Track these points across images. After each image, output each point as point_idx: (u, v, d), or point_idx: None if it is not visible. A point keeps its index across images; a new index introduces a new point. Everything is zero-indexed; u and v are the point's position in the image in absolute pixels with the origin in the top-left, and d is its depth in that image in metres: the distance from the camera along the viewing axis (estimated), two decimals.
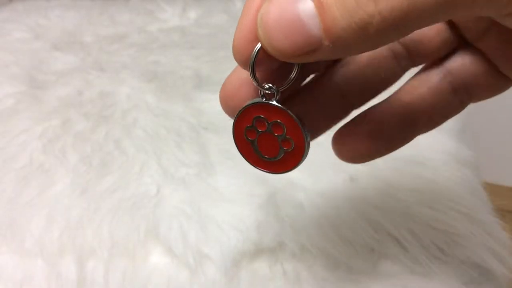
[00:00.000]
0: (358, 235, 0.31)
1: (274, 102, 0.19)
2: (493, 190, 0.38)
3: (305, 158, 0.20)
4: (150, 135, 0.40)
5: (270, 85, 0.19)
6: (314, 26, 0.14)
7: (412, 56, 0.21)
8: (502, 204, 0.38)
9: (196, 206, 0.33)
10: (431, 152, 0.37)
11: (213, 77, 0.49)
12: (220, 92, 0.20)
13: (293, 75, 0.18)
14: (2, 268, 0.30)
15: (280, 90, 0.19)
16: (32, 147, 0.39)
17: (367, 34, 0.14)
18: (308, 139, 0.19)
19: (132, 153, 0.38)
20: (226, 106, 0.21)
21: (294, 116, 0.19)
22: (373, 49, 0.15)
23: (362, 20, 0.14)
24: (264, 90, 0.19)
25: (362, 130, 0.21)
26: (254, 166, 0.21)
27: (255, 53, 0.17)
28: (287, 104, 0.19)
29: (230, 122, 0.38)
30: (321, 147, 0.38)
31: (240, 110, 0.20)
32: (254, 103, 0.19)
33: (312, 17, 0.14)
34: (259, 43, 0.16)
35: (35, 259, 0.30)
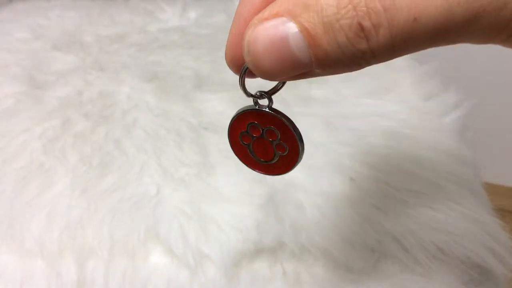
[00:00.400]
0: (358, 235, 0.31)
1: (267, 109, 0.19)
2: (493, 190, 0.38)
3: (299, 161, 0.20)
4: (150, 135, 0.40)
5: (262, 92, 0.19)
6: (304, 55, 0.15)
7: None
8: (502, 204, 0.38)
9: (196, 206, 0.33)
10: (431, 152, 0.37)
11: (213, 77, 0.49)
12: (226, 53, 0.19)
13: (280, 84, 0.19)
14: (2, 268, 0.30)
15: (271, 95, 0.19)
16: (32, 147, 0.39)
17: (358, 65, 0.15)
18: (302, 144, 0.19)
19: (132, 153, 0.38)
20: (233, 65, 0.20)
21: (287, 122, 0.19)
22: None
23: (354, 55, 0.14)
24: (257, 98, 0.19)
25: None
26: (252, 169, 0.22)
27: (244, 71, 0.17)
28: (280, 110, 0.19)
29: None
30: (321, 147, 0.38)
31: (234, 116, 0.20)
32: (247, 109, 0.20)
33: (302, 47, 0.15)
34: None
35: (35, 259, 0.30)
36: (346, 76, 0.53)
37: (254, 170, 0.21)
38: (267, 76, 0.16)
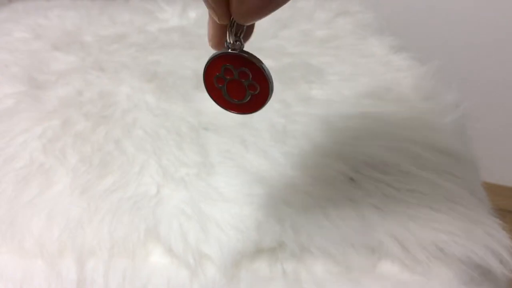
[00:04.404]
0: (358, 235, 0.31)
1: (240, 53, 0.21)
2: (493, 190, 0.38)
3: (270, 98, 0.22)
4: (150, 135, 0.40)
5: (236, 38, 0.21)
6: None
7: None
8: (502, 204, 0.38)
9: (196, 206, 0.33)
10: (431, 152, 0.37)
11: None
12: (209, 42, 0.23)
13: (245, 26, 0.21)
14: (2, 268, 0.30)
15: (242, 38, 0.21)
16: (32, 147, 0.39)
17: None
18: (272, 82, 0.22)
19: (132, 153, 0.38)
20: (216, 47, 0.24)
21: (257, 63, 0.21)
22: None
23: None
24: (231, 42, 0.21)
25: None
26: (225, 109, 0.24)
27: (232, 24, 0.21)
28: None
29: (230, 122, 0.38)
30: (321, 147, 0.38)
31: (208, 60, 0.22)
32: (221, 53, 0.22)
33: None
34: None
35: (35, 259, 0.30)
36: (346, 76, 0.53)
37: (228, 110, 0.24)
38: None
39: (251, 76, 0.22)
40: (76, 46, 0.58)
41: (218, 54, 0.22)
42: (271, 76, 0.22)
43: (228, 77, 0.22)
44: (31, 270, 0.30)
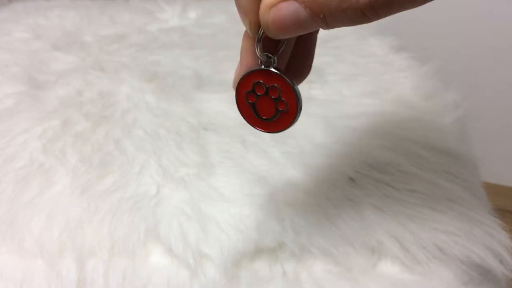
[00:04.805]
0: (358, 235, 0.31)
1: (272, 69, 0.22)
2: (493, 190, 0.38)
3: (297, 118, 0.23)
4: (150, 135, 0.40)
5: (268, 54, 0.22)
6: (306, 18, 0.20)
7: None
8: (502, 204, 0.38)
9: (196, 206, 0.33)
10: (431, 152, 0.37)
11: (213, 77, 0.49)
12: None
13: (283, 45, 0.22)
14: (2, 268, 0.30)
15: (276, 57, 0.22)
16: (32, 147, 0.39)
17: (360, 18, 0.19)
18: (300, 101, 0.22)
19: (132, 153, 0.38)
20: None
21: (287, 80, 0.22)
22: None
23: (356, 11, 0.19)
24: (264, 58, 0.22)
25: None
26: (254, 127, 0.24)
27: (261, 37, 0.21)
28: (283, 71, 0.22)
29: (230, 122, 0.39)
30: (321, 147, 0.38)
31: (241, 77, 0.23)
32: (254, 70, 0.22)
33: (306, 15, 0.19)
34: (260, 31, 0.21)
35: (35, 259, 0.30)
36: (346, 76, 0.53)
37: (255, 127, 0.24)
38: (280, 34, 0.21)
39: (281, 93, 0.22)
40: (76, 46, 0.58)
41: (252, 70, 0.23)
42: (300, 96, 0.22)
43: (259, 93, 0.23)
44: (31, 270, 0.30)
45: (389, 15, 0.19)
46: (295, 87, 0.22)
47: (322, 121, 0.41)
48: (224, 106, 0.44)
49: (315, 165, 0.36)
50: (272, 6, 0.20)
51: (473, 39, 0.82)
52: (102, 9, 0.68)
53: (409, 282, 0.29)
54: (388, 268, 0.30)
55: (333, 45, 0.56)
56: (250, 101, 0.23)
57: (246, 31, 0.23)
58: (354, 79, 0.48)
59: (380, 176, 0.34)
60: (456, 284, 0.29)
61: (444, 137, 0.39)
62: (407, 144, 0.37)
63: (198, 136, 0.40)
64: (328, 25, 0.20)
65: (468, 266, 0.30)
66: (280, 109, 0.23)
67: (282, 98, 0.22)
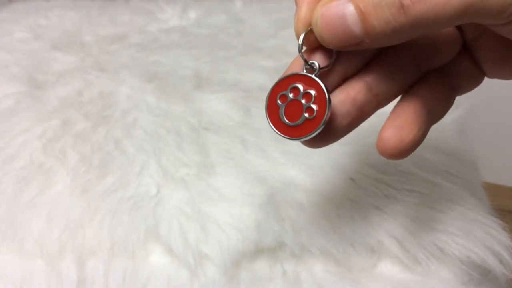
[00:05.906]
0: (358, 235, 0.31)
1: (312, 76, 0.22)
2: (493, 190, 0.38)
3: (322, 126, 0.22)
4: (150, 135, 0.40)
5: (314, 62, 0.22)
6: (357, 29, 0.20)
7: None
8: (502, 204, 0.38)
9: (196, 206, 0.33)
10: (431, 152, 0.37)
11: (213, 77, 0.49)
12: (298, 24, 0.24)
13: (332, 59, 0.22)
14: (2, 268, 0.30)
15: (321, 68, 0.22)
16: (32, 147, 0.39)
17: (399, 37, 0.20)
18: (329, 111, 0.22)
19: (132, 153, 0.38)
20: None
21: (324, 89, 0.22)
22: (402, 41, 0.21)
23: (395, 29, 0.19)
24: (308, 65, 0.22)
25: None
26: (274, 130, 0.24)
27: (302, 39, 0.22)
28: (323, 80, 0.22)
29: (230, 122, 0.39)
30: (321, 147, 0.38)
31: (280, 78, 0.23)
32: (295, 73, 0.23)
33: (356, 22, 0.19)
34: (304, 32, 0.22)
35: (35, 259, 0.30)
36: None
37: (277, 132, 0.24)
38: (327, 43, 0.21)
39: (313, 100, 0.22)
40: (76, 46, 0.58)
41: (292, 73, 0.23)
42: (330, 109, 0.22)
43: (291, 96, 0.23)
44: (31, 270, 0.30)
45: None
46: (329, 97, 0.22)
47: None
48: (224, 106, 0.44)
49: (315, 165, 0.36)
50: (327, 3, 0.20)
51: None
52: (102, 9, 0.68)
53: (409, 282, 0.29)
54: (388, 268, 0.30)
55: None
56: (280, 102, 0.23)
57: None
58: None
59: (380, 176, 0.34)
60: (456, 284, 0.29)
61: (444, 137, 0.39)
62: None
63: (198, 136, 0.40)
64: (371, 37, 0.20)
65: (468, 266, 0.30)
66: (307, 116, 0.22)
67: (312, 105, 0.22)
